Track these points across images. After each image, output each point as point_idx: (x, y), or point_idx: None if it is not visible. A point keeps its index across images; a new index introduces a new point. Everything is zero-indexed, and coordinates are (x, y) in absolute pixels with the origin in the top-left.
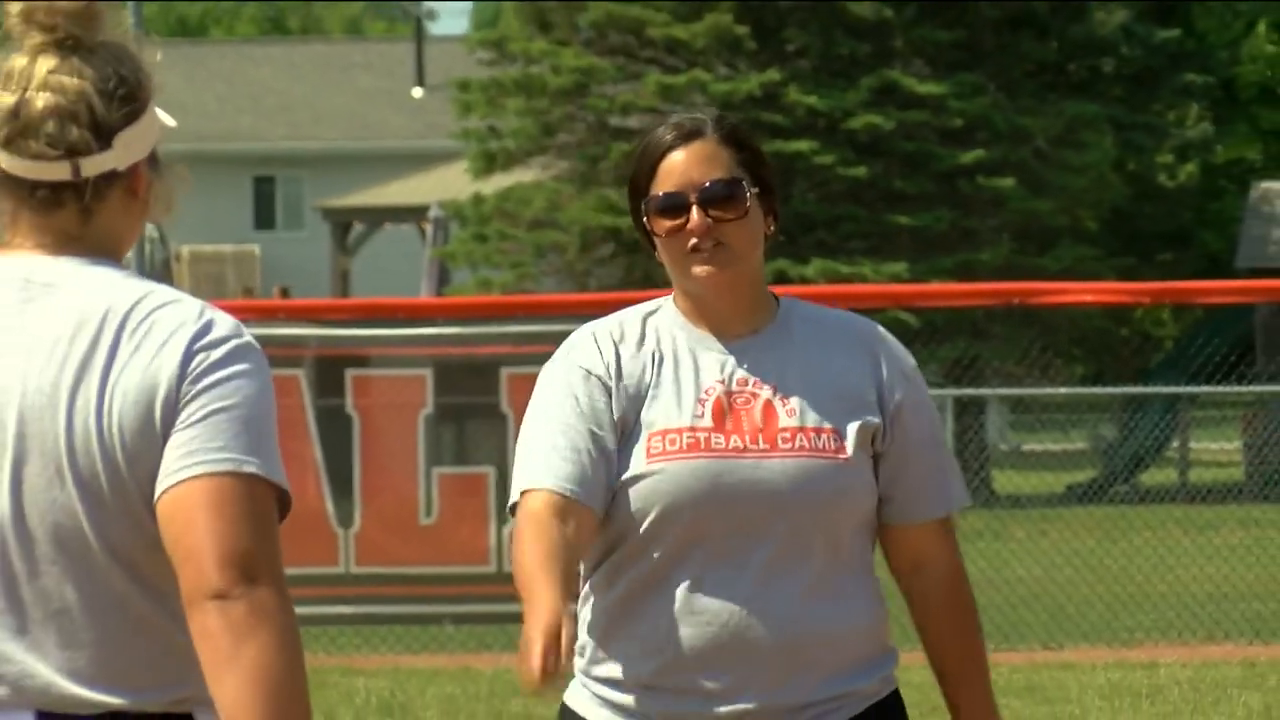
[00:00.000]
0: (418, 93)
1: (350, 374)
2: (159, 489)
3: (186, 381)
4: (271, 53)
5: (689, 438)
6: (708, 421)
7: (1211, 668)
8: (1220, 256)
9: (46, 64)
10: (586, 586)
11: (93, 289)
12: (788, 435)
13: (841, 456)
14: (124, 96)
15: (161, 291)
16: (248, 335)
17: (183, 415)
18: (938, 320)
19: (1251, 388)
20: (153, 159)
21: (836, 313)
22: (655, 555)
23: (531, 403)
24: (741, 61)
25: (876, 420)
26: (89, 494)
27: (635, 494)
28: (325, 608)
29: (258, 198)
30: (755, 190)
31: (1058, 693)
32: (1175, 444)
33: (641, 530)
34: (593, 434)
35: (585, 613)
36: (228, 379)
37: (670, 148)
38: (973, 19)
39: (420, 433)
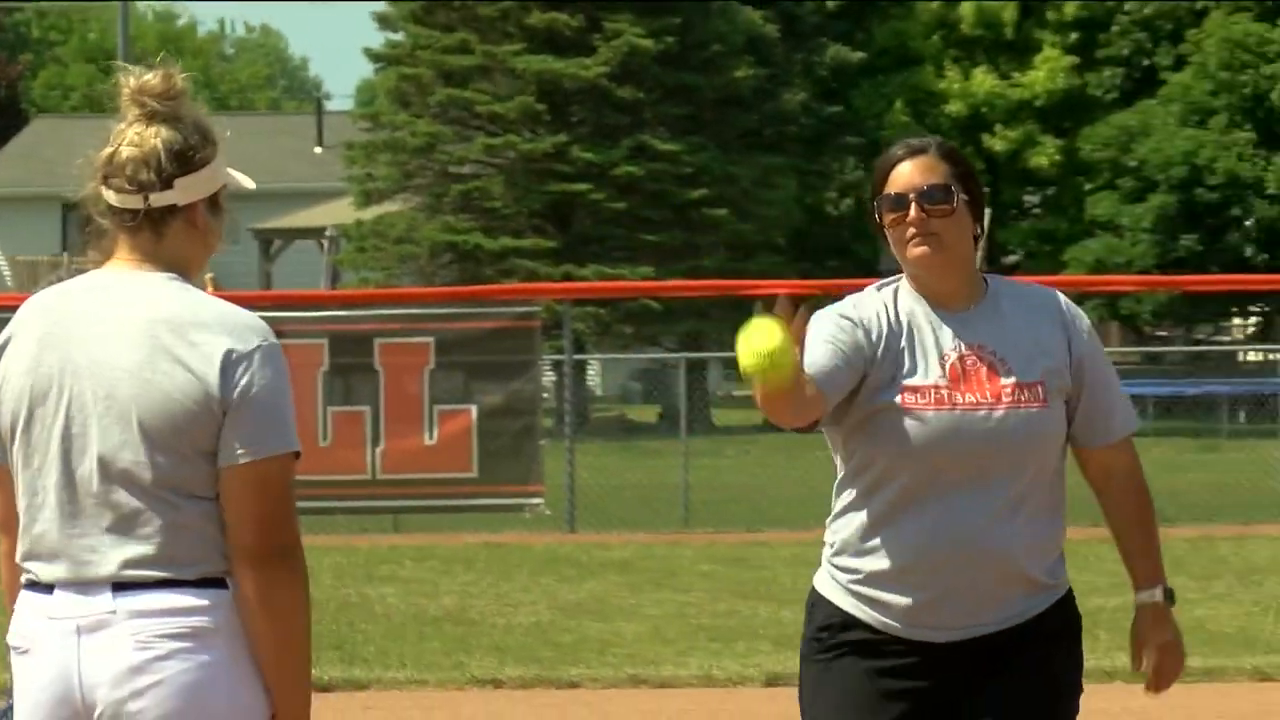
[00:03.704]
0: (318, 150)
1: None
2: (220, 462)
3: (229, 375)
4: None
5: (936, 394)
6: (948, 381)
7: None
8: (870, 261)
9: (137, 128)
10: (840, 497)
11: (163, 293)
12: (1009, 390)
13: (1046, 405)
14: (182, 153)
15: (213, 301)
16: (273, 338)
17: (233, 401)
18: (675, 306)
19: None
20: (214, 204)
21: (1030, 287)
22: (905, 484)
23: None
24: (541, 128)
25: (1067, 372)
26: (150, 441)
27: (892, 434)
28: None
29: None
30: (964, 198)
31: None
32: None
33: (895, 464)
34: (848, 348)
35: (838, 521)
36: (258, 376)
37: (900, 159)
38: (699, 98)
39: (319, 383)
